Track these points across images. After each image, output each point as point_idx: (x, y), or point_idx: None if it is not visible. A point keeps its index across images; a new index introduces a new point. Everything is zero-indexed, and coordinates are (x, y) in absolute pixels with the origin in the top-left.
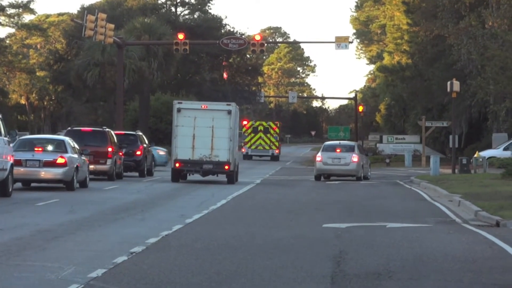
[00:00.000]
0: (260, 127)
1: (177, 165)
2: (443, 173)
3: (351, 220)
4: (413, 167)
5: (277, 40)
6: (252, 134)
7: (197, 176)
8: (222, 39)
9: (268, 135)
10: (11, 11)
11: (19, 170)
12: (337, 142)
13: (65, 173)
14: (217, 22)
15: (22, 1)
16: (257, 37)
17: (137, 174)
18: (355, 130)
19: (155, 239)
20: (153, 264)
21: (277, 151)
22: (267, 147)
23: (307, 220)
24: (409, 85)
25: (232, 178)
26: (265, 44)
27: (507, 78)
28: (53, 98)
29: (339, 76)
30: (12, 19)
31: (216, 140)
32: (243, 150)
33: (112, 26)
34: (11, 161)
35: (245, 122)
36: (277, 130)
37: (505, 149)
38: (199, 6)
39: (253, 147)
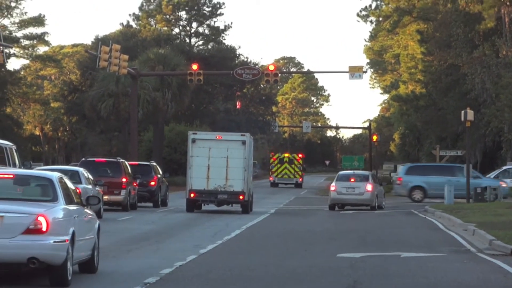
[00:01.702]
0: (286, 159)
1: (192, 195)
2: (457, 202)
3: (365, 249)
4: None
5: (291, 70)
6: (279, 165)
7: (211, 206)
8: (236, 69)
9: (293, 165)
10: (25, 42)
11: None
12: (351, 171)
13: None
14: (231, 52)
15: (36, 33)
16: (271, 67)
17: (151, 204)
18: (369, 160)
19: (169, 270)
20: None
21: (300, 179)
22: (291, 176)
23: (321, 250)
24: (423, 114)
25: (246, 208)
26: (279, 74)
27: None
28: (67, 129)
29: (353, 105)
30: (26, 51)
31: (230, 170)
32: (270, 178)
33: (126, 57)
34: None
35: (272, 154)
36: (300, 161)
37: (495, 177)
38: (213, 37)
39: (279, 176)
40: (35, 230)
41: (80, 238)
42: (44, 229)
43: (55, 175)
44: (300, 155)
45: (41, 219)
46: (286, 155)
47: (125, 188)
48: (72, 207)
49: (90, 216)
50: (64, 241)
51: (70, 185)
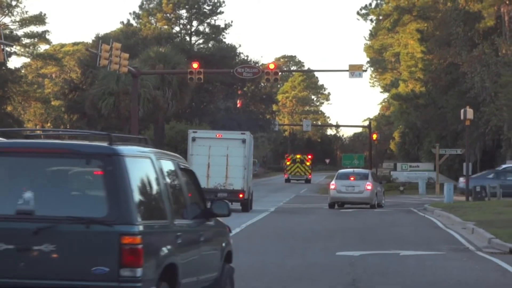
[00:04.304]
0: (297, 159)
1: None
2: (457, 201)
3: (364, 248)
4: (427, 194)
5: (292, 68)
6: (292, 164)
7: None
8: (237, 68)
9: (303, 164)
10: (26, 41)
11: None
12: (351, 170)
13: None
14: (231, 51)
15: (37, 31)
16: (271, 66)
17: None
18: (369, 158)
19: None
20: None
21: (309, 176)
22: (302, 173)
23: (321, 248)
24: (423, 113)
25: (246, 206)
26: (279, 73)
27: None
28: (68, 127)
29: (353, 104)
30: (27, 49)
31: (230, 168)
32: (285, 175)
33: (126, 55)
34: None
35: (286, 156)
36: (310, 161)
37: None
38: (214, 35)
39: (292, 173)
40: None
41: None
42: None
43: None
44: (309, 156)
45: None
46: (298, 156)
47: None
48: None
49: None
50: None
51: None
